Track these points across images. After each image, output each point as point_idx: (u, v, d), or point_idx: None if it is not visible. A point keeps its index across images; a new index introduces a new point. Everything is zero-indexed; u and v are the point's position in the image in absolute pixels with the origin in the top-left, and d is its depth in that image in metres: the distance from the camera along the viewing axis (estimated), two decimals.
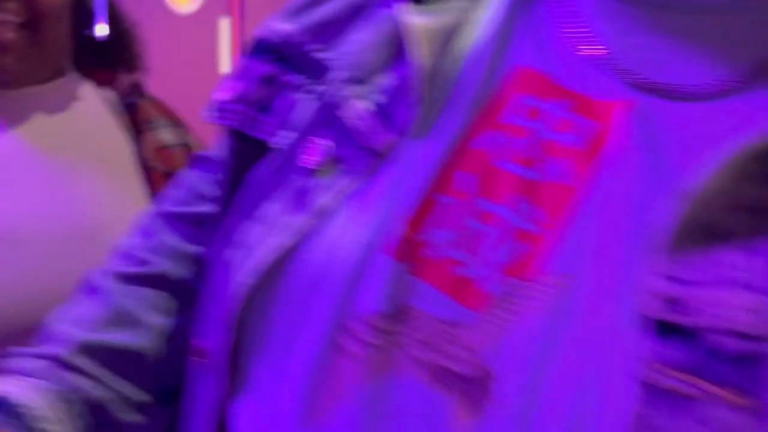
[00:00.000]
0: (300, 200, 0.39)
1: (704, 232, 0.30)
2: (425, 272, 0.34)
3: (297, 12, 0.47)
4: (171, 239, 0.50)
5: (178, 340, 0.47)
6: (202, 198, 0.50)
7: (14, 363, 0.47)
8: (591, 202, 0.32)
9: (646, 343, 0.29)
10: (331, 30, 0.45)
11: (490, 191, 0.35)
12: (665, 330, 0.29)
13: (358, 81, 0.41)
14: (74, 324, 0.48)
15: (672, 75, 0.34)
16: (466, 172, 0.36)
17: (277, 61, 0.46)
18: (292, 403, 0.36)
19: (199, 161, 0.53)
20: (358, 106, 0.40)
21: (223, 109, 0.47)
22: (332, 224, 0.37)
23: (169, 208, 0.51)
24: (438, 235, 0.35)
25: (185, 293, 0.47)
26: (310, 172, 0.39)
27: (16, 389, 0.44)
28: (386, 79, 0.40)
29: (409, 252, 0.34)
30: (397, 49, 0.40)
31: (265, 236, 0.38)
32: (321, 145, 0.40)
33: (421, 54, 0.38)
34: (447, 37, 0.40)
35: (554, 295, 0.31)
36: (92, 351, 0.47)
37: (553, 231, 0.32)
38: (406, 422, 0.33)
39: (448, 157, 0.36)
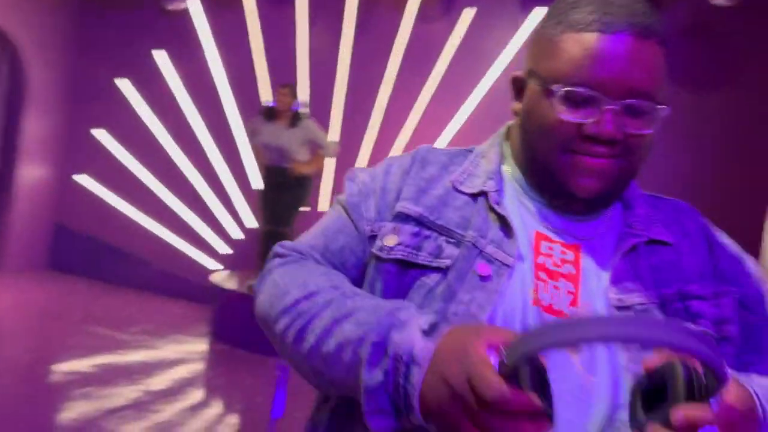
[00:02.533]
0: (485, 289, 0.87)
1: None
2: (546, 309, 0.87)
3: (417, 199, 0.97)
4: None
5: None
6: (345, 265, 0.97)
7: None
8: (584, 276, 0.91)
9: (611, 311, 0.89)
10: (439, 208, 0.96)
11: (553, 277, 0.89)
12: (620, 309, 0.88)
13: (482, 236, 0.91)
14: None
15: (584, 233, 0.94)
16: (542, 271, 0.90)
17: (417, 224, 0.94)
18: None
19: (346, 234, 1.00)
20: (491, 247, 0.90)
21: (392, 250, 0.93)
22: (505, 298, 0.87)
23: (323, 257, 0.98)
24: (543, 296, 0.88)
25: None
26: (485, 278, 0.88)
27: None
28: (493, 233, 0.92)
29: (538, 304, 0.87)
30: (488, 219, 0.93)
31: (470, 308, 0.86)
32: (484, 265, 0.89)
33: (512, 225, 0.92)
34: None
35: (586, 310, 0.88)
36: None
37: (577, 288, 0.89)
38: (556, 364, 0.75)
39: (534, 266, 0.90)
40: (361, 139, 5.67)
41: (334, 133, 5.67)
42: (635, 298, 0.88)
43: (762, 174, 4.65)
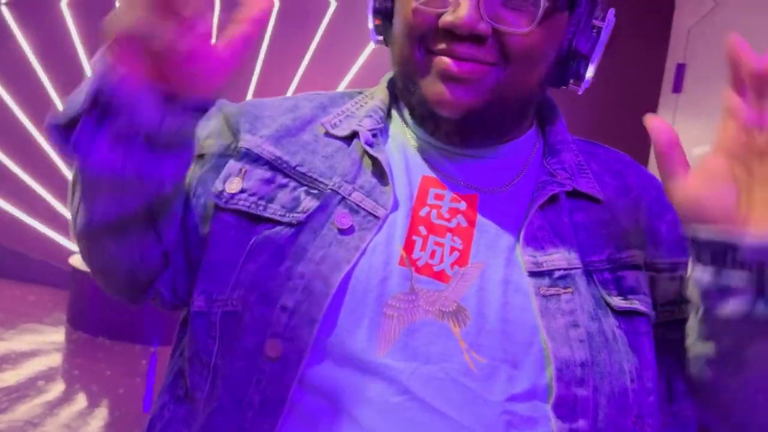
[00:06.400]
0: (343, 244, 0.71)
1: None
2: (420, 270, 0.72)
3: (278, 140, 0.78)
4: None
5: None
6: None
7: None
8: (479, 231, 0.75)
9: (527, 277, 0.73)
10: (304, 154, 0.78)
11: (435, 232, 0.74)
12: (535, 274, 0.72)
13: (348, 182, 0.75)
14: None
15: (485, 182, 0.79)
16: (422, 225, 0.74)
17: (272, 169, 0.76)
18: (361, 349, 0.67)
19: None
20: (357, 194, 0.74)
21: (233, 198, 0.75)
22: (366, 256, 0.71)
23: None
24: (420, 254, 0.73)
25: None
26: (345, 231, 0.71)
27: None
28: (364, 179, 0.76)
29: (408, 263, 0.72)
30: (360, 163, 0.77)
31: (330, 266, 0.70)
32: (346, 215, 0.72)
33: (386, 169, 0.75)
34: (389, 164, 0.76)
35: (478, 270, 0.72)
36: None
37: (468, 245, 0.74)
38: (428, 341, 0.68)
39: (411, 219, 0.74)
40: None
41: None
42: (555, 261, 0.73)
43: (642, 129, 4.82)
